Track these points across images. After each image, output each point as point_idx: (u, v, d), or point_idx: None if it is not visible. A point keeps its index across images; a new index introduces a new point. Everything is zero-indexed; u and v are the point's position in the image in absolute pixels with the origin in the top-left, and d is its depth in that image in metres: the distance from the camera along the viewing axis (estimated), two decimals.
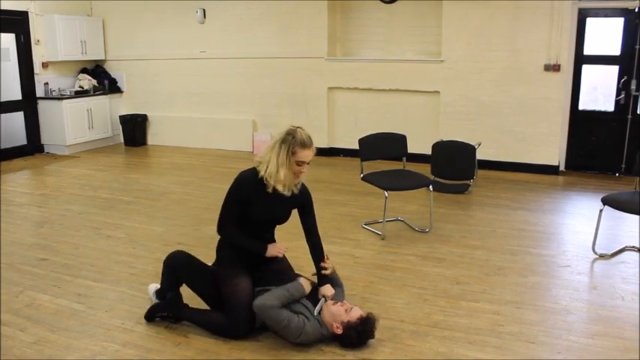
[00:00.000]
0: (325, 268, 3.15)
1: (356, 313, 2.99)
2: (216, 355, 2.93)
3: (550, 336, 3.09)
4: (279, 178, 2.93)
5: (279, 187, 2.96)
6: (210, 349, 2.99)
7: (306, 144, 2.91)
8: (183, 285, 3.30)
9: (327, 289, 3.12)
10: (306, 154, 2.92)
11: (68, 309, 3.45)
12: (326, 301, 3.08)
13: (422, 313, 3.36)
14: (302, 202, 3.16)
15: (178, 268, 3.26)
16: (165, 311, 3.22)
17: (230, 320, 3.05)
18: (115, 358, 2.91)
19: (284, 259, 3.34)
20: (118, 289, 3.73)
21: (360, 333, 2.94)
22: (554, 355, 2.92)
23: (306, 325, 2.95)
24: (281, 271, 3.23)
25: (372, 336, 2.99)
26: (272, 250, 3.13)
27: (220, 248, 3.22)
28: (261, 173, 2.95)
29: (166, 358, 2.92)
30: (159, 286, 3.42)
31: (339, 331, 2.96)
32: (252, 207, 3.02)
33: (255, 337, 3.08)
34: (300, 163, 2.93)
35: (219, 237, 3.22)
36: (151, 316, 3.25)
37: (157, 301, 3.36)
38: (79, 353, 2.96)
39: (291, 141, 2.90)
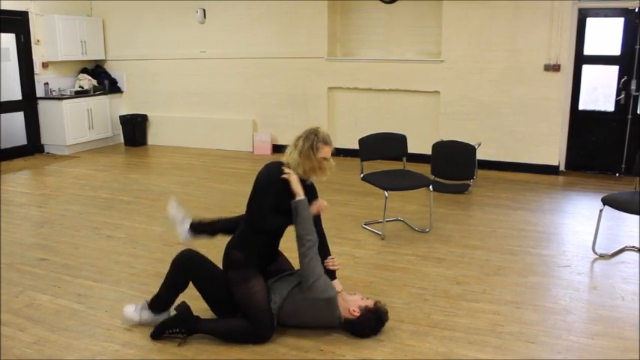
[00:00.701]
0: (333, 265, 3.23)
1: (371, 302, 3.14)
2: (216, 355, 2.93)
3: (550, 336, 3.09)
4: (302, 168, 3.10)
5: (300, 172, 3.10)
6: (210, 349, 2.99)
7: (327, 141, 3.15)
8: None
9: (337, 285, 3.17)
10: (327, 151, 3.14)
11: (68, 309, 3.45)
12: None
13: (422, 313, 3.36)
14: (310, 198, 3.20)
15: (193, 266, 3.13)
16: (177, 327, 3.03)
17: (253, 325, 3.00)
18: (115, 358, 2.91)
19: (286, 260, 3.39)
20: (118, 289, 3.73)
21: (378, 317, 3.06)
22: (554, 355, 2.92)
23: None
24: (286, 269, 3.31)
25: (386, 320, 3.10)
26: (315, 207, 3.17)
27: (231, 249, 3.15)
28: (286, 161, 3.12)
29: (166, 358, 2.92)
30: (133, 307, 3.20)
31: (357, 314, 3.04)
32: (279, 197, 3.07)
33: None
34: (322, 159, 3.14)
35: (229, 237, 3.23)
36: (160, 333, 3.05)
37: (147, 314, 3.18)
38: (79, 353, 2.96)
39: (314, 138, 3.11)
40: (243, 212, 3.25)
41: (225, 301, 3.12)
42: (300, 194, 3.06)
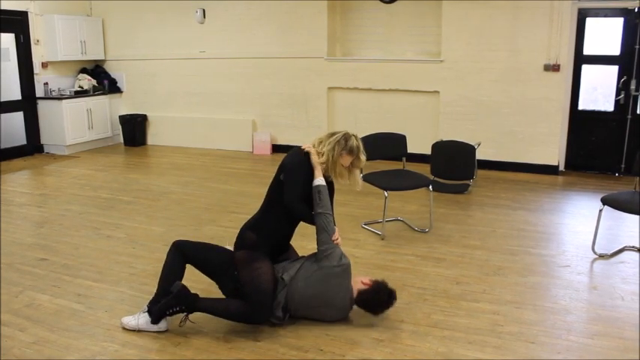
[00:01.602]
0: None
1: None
2: (215, 355, 2.93)
3: (550, 336, 3.09)
4: (337, 171, 3.23)
5: (338, 179, 3.28)
6: (209, 349, 2.99)
7: (352, 152, 3.23)
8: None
9: None
10: (346, 160, 3.24)
11: (68, 309, 3.45)
12: None
13: (422, 313, 3.36)
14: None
15: (188, 245, 3.25)
16: (176, 306, 3.05)
17: (250, 307, 3.05)
18: (115, 358, 2.91)
19: (295, 253, 3.45)
20: (118, 289, 3.73)
21: (389, 291, 3.17)
22: (554, 355, 2.92)
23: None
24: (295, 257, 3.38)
25: (395, 298, 3.20)
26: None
27: (245, 229, 3.22)
28: (322, 159, 3.21)
29: (166, 358, 2.92)
30: (132, 318, 3.18)
31: (369, 284, 3.17)
32: (305, 184, 3.19)
33: (255, 337, 3.08)
34: (341, 165, 3.23)
35: (246, 219, 3.30)
36: (160, 316, 3.08)
37: (145, 318, 3.13)
38: (79, 353, 2.96)
39: (344, 145, 3.21)
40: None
41: (229, 275, 3.14)
42: (319, 175, 3.18)
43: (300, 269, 3.16)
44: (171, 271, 3.19)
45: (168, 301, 3.06)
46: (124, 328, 3.17)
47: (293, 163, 3.20)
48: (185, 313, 3.09)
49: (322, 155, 3.20)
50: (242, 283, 3.09)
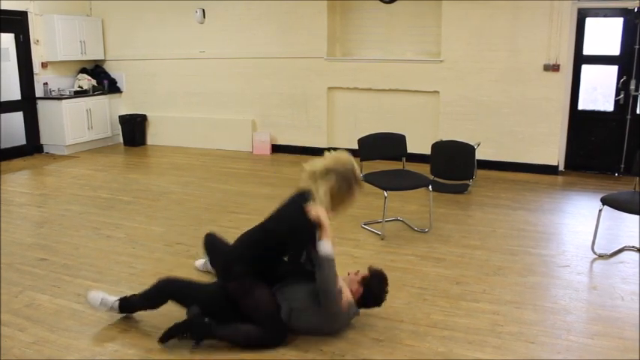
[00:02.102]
0: None
1: (364, 271, 3.19)
2: (215, 355, 2.93)
3: (550, 336, 3.09)
4: (332, 204, 2.99)
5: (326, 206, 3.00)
6: (209, 349, 2.98)
7: (362, 181, 3.06)
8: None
9: None
10: (357, 191, 3.03)
11: (68, 309, 3.45)
12: None
13: (421, 313, 3.36)
14: None
15: (177, 292, 3.13)
16: (189, 332, 2.95)
17: (269, 332, 2.98)
18: (115, 358, 2.92)
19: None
20: (118, 289, 3.72)
21: (380, 280, 3.14)
22: (554, 355, 2.92)
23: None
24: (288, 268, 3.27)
25: (386, 275, 3.18)
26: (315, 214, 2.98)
27: (234, 264, 3.09)
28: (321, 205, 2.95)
29: (166, 358, 2.92)
30: (103, 295, 3.25)
31: (360, 290, 3.10)
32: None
33: None
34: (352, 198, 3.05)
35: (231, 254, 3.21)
36: (169, 338, 2.96)
37: (109, 306, 3.21)
38: (79, 353, 2.96)
39: (352, 179, 2.97)
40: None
41: (224, 311, 3.05)
42: (327, 239, 2.90)
43: (302, 310, 3.01)
44: (149, 302, 3.19)
45: (182, 327, 2.96)
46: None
47: (299, 226, 2.95)
48: (196, 342, 2.97)
49: (322, 199, 2.91)
50: (247, 314, 2.99)
